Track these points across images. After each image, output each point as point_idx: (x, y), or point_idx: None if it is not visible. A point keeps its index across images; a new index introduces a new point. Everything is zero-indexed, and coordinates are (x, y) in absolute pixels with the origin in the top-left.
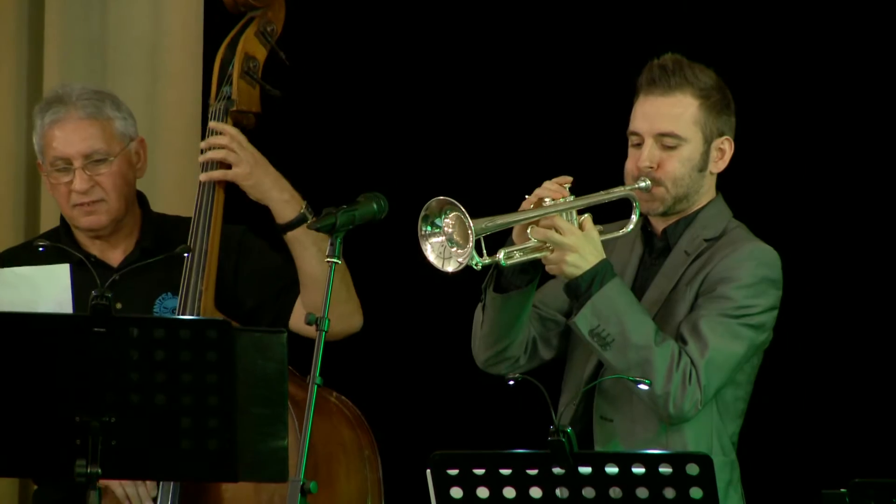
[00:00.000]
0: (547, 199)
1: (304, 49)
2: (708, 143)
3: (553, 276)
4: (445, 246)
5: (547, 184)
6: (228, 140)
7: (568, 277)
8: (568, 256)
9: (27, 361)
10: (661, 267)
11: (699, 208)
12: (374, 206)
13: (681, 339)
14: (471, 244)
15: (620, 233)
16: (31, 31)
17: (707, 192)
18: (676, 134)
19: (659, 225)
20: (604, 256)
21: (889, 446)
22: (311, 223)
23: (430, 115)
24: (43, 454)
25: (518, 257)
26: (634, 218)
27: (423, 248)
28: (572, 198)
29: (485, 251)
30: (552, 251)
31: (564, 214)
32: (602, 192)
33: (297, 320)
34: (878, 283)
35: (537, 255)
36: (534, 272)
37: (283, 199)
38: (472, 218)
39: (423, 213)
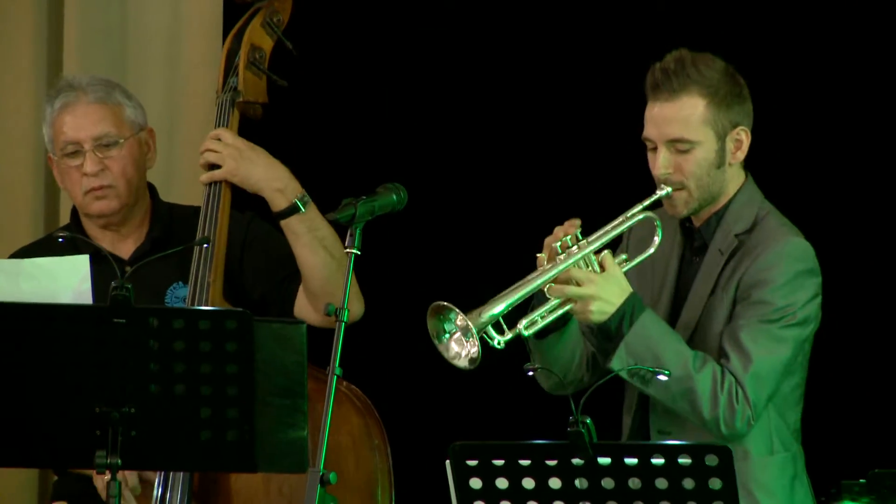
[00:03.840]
0: (561, 249)
1: (313, 38)
2: (721, 139)
3: None
4: (462, 340)
5: (557, 230)
6: (209, 141)
7: (597, 325)
8: (592, 306)
9: (47, 352)
10: (700, 266)
11: (729, 199)
12: (394, 196)
13: (723, 355)
14: (475, 340)
15: (643, 257)
16: (51, 21)
17: (733, 181)
18: (687, 139)
19: (695, 220)
20: (630, 291)
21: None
22: (329, 214)
23: (440, 102)
24: (63, 445)
25: (540, 322)
26: (657, 240)
27: (444, 353)
28: (584, 241)
29: (505, 326)
30: (576, 303)
31: (583, 262)
32: (620, 219)
33: (301, 308)
34: None
35: (560, 311)
36: (566, 318)
37: (274, 189)
38: (474, 308)
39: (430, 332)
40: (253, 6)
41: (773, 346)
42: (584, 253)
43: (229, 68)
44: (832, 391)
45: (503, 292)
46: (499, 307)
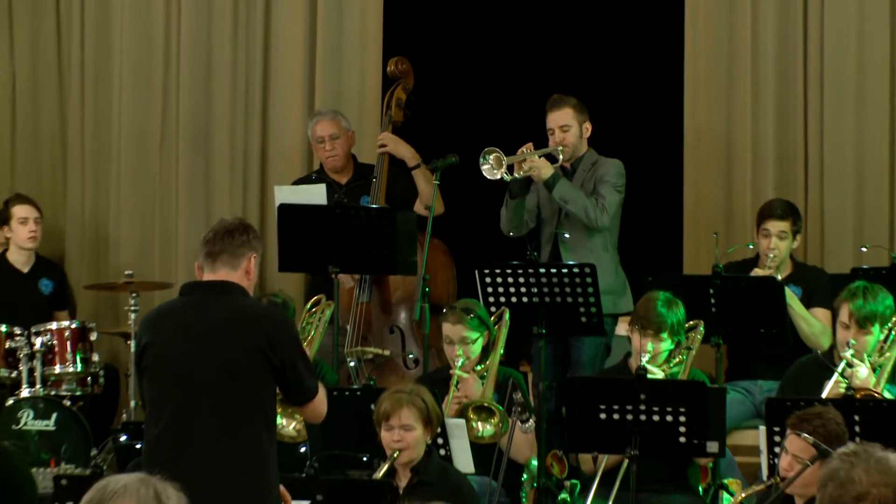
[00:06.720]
0: (526, 150)
1: (420, 93)
2: (581, 125)
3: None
4: (491, 170)
5: (526, 144)
6: (383, 137)
7: (545, 179)
8: (543, 171)
9: (310, 228)
10: (572, 178)
11: (583, 154)
12: (453, 158)
13: (594, 198)
14: (504, 168)
15: (560, 162)
16: (310, 83)
17: (584, 146)
18: (567, 124)
19: (567, 164)
20: (555, 170)
21: (672, 253)
22: (427, 166)
23: (477, 109)
24: (313, 261)
25: (521, 175)
26: (561, 158)
27: (482, 169)
28: (535, 150)
29: (508, 172)
30: (535, 172)
31: (536, 155)
32: (547, 148)
33: (417, 207)
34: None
35: (529, 173)
36: (527, 190)
37: (408, 156)
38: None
39: (482, 155)
40: (397, 80)
41: (613, 195)
42: (537, 153)
43: (388, 107)
44: (640, 226)
45: (511, 155)
46: (510, 157)
